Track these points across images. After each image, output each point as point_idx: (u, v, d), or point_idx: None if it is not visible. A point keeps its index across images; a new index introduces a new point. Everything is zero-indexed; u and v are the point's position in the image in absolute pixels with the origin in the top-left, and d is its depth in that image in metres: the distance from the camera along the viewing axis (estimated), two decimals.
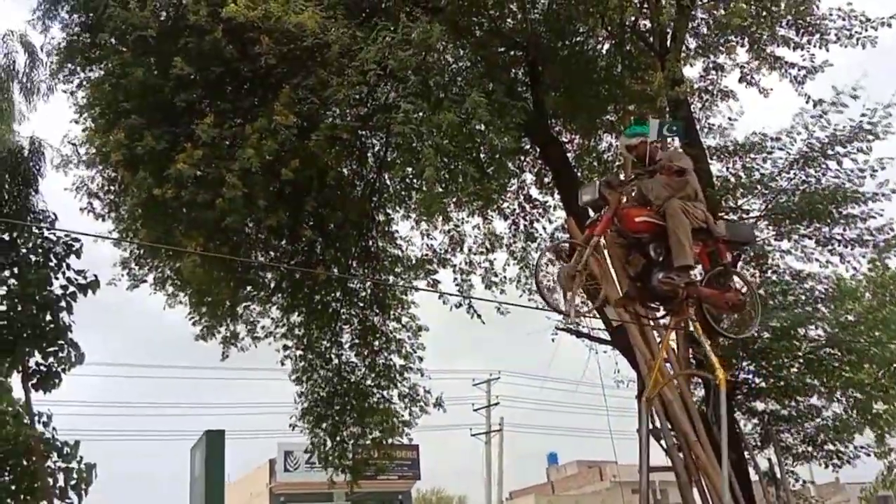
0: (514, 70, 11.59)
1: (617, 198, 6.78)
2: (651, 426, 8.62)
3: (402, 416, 12.80)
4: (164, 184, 8.86)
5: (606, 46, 11.83)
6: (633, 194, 7.35)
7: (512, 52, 11.46)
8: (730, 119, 12.10)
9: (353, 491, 14.97)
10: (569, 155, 12.26)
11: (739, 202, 11.56)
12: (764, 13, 9.79)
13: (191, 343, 11.77)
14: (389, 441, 13.22)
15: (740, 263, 11.18)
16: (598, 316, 9.20)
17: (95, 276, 11.50)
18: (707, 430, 9.28)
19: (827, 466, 11.91)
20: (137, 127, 9.09)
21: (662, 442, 9.43)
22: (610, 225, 6.79)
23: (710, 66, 11.89)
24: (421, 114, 8.61)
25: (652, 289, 6.81)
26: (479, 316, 12.28)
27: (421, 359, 12.74)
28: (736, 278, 7.80)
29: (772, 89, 11.22)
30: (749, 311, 7.56)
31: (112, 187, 10.78)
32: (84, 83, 10.78)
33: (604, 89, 11.59)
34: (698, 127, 11.85)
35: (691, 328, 7.06)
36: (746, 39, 10.46)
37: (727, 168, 11.86)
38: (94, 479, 11.62)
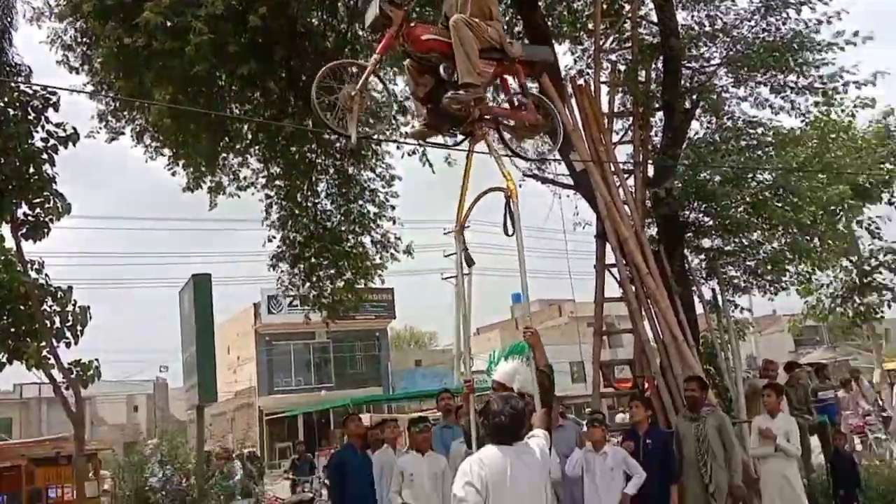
0: None
1: (400, 16, 6.25)
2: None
3: (375, 260, 13.56)
4: (134, 33, 8.84)
5: None
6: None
7: None
8: None
9: (330, 328, 16.01)
10: (539, 3, 12.23)
11: (701, 50, 11.91)
12: None
13: (171, 196, 12.11)
14: (363, 283, 14.00)
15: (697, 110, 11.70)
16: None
17: (74, 128, 11.41)
18: (657, 263, 10.17)
19: (764, 294, 13.08)
20: None
21: (616, 274, 10.37)
22: (392, 44, 6.38)
23: None
24: None
25: (443, 110, 6.39)
26: (430, 164, 12.77)
27: (393, 207, 13.34)
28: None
29: None
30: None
31: (84, 39, 10.68)
32: None
33: None
34: None
35: (484, 147, 6.59)
36: None
37: (692, 17, 12.09)
38: (89, 321, 12.13)
